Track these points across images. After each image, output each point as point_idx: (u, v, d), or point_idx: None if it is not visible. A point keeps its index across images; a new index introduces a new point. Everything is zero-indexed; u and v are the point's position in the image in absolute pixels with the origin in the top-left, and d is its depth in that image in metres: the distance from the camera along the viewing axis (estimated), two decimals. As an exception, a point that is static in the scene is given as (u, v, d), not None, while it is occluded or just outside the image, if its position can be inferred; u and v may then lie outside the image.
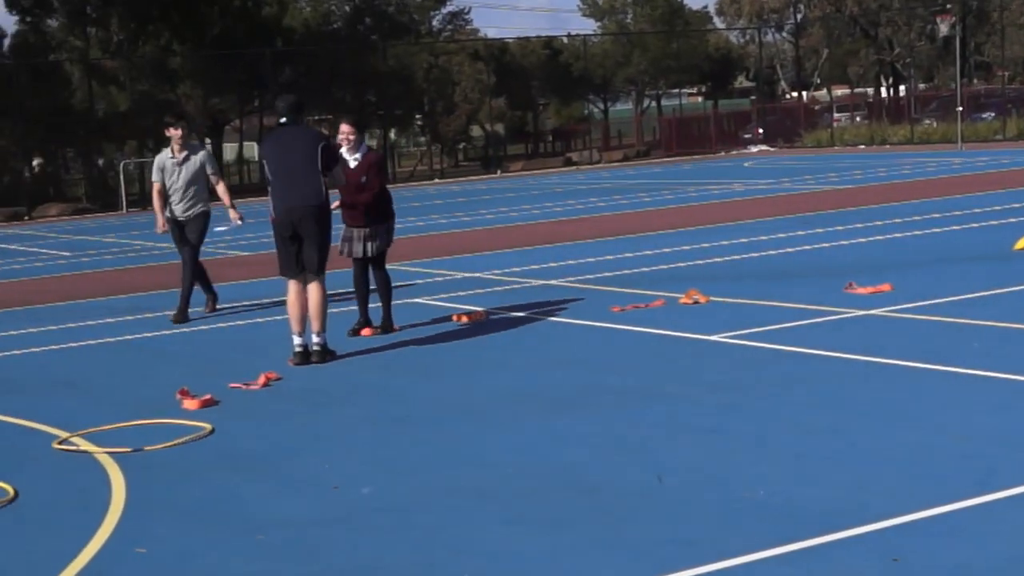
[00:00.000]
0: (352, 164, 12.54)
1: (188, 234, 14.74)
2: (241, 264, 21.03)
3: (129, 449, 8.65)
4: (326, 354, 11.56)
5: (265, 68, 51.01)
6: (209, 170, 14.86)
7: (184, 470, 8.10)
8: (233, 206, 15.25)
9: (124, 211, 43.70)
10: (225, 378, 10.86)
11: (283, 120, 11.88)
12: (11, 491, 7.78)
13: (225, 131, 64.08)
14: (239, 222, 15.34)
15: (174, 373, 11.42)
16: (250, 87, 56.02)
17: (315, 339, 11.55)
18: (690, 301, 13.16)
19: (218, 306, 15.11)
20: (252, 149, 68.75)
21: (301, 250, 11.59)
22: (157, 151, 55.25)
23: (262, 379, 10.65)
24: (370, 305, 12.92)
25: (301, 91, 57.65)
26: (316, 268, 11.59)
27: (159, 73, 53.91)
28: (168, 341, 13.40)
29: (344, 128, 12.66)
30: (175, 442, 8.78)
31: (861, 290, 12.97)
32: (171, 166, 14.65)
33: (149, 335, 13.81)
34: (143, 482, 7.84)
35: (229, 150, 69.60)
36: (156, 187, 14.77)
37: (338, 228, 12.36)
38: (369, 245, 12.64)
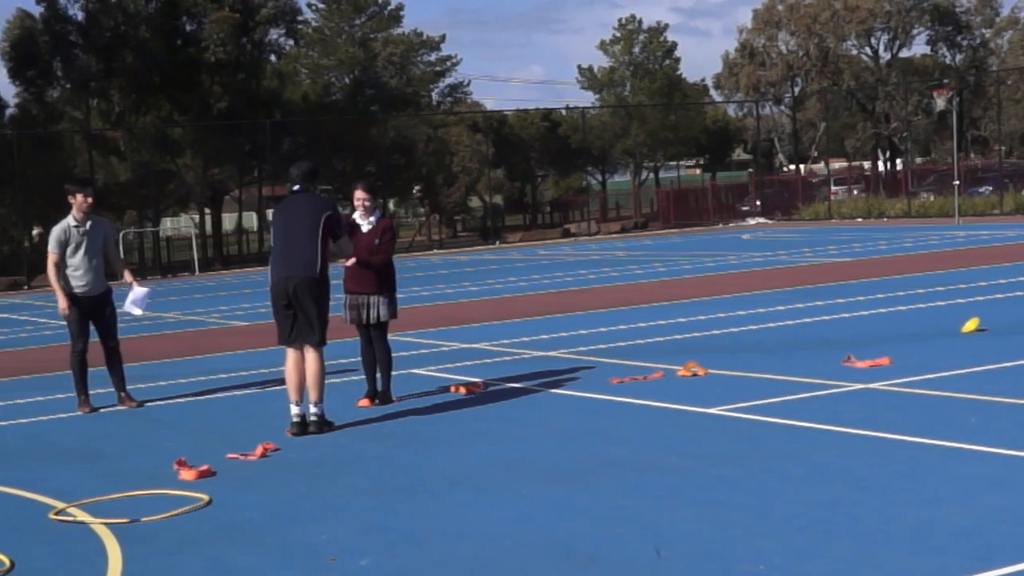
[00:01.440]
0: (366, 228, 12.61)
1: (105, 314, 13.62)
2: (239, 333, 21.03)
3: (126, 520, 8.61)
4: (324, 424, 11.54)
5: (265, 139, 51.27)
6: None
7: (181, 541, 8.07)
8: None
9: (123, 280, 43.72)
10: (223, 448, 10.84)
11: (295, 188, 11.92)
12: (8, 562, 7.75)
13: (225, 201, 64.34)
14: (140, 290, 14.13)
15: (172, 442, 11.40)
16: (250, 157, 56.31)
17: (313, 409, 11.53)
18: (688, 374, 13.17)
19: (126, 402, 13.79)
20: (251, 219, 69.03)
21: (296, 320, 11.58)
22: (156, 221, 55.34)
23: (260, 450, 10.62)
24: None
25: (299, 161, 58.20)
26: (313, 339, 11.55)
27: (159, 143, 54.24)
28: (166, 411, 13.38)
29: (359, 194, 12.75)
30: (172, 513, 8.75)
31: (860, 364, 12.98)
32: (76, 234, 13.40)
33: (150, 404, 13.78)
34: (139, 553, 7.80)
35: (228, 220, 69.86)
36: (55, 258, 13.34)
37: (340, 297, 12.38)
38: (377, 311, 12.63)
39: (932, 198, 53.43)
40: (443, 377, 14.29)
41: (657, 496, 8.34)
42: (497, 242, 54.02)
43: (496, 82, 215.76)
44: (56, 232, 13.44)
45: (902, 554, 6.68)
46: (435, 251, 52.91)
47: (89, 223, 13.54)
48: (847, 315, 17.70)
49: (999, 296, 18.96)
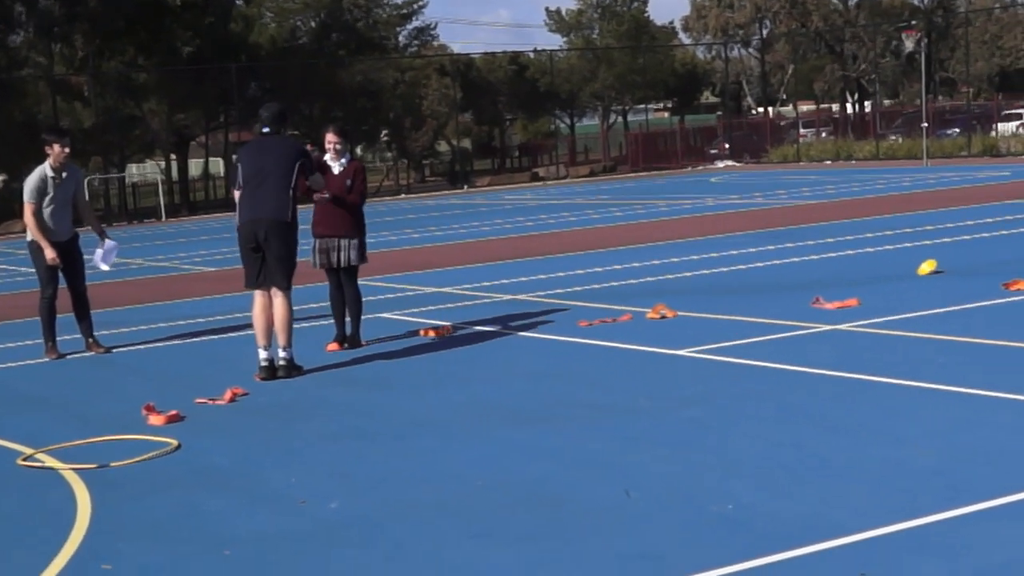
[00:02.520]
0: (337, 170, 12.54)
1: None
2: (207, 279, 20.95)
3: (95, 465, 8.58)
4: (292, 369, 11.50)
5: (231, 84, 50.87)
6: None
7: (150, 486, 8.04)
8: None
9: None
10: (192, 393, 10.81)
11: (265, 129, 11.83)
12: (-26, 508, 7.71)
13: (191, 146, 63.90)
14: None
15: (141, 388, 11.36)
16: (216, 103, 55.88)
17: (281, 353, 11.49)
18: (657, 316, 13.18)
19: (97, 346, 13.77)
20: (217, 165, 68.64)
21: (265, 263, 11.52)
22: (122, 167, 54.98)
23: (228, 394, 10.59)
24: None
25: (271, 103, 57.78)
26: (281, 283, 11.50)
27: (124, 89, 53.74)
28: (134, 356, 13.33)
29: (330, 137, 12.71)
30: (141, 458, 8.73)
31: (828, 305, 13.00)
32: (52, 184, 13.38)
33: (117, 350, 13.72)
34: (108, 498, 7.78)
35: (195, 165, 69.41)
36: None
37: (309, 241, 12.33)
38: (348, 254, 12.56)
39: (900, 140, 53.48)
40: (411, 321, 14.27)
41: (626, 438, 8.35)
42: (465, 186, 53.89)
43: (463, 25, 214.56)
44: (34, 182, 13.36)
45: (870, 493, 6.71)
46: (403, 196, 52.75)
47: (64, 172, 13.48)
48: (815, 257, 17.73)
49: (965, 238, 19.02)
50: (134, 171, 68.66)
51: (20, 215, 48.19)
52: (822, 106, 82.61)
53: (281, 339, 11.48)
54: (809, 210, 26.88)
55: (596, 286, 16.19)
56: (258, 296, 11.59)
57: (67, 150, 13.39)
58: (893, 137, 55.44)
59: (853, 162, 49.69)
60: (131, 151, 59.74)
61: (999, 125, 53.25)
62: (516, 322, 13.61)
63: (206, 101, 55.18)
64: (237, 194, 11.78)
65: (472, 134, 75.11)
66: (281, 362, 11.49)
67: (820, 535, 6.05)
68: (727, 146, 58.45)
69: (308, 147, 12.22)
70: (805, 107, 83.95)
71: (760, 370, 10.23)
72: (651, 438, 8.30)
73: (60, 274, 13.52)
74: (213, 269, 22.82)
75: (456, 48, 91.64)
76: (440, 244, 25.01)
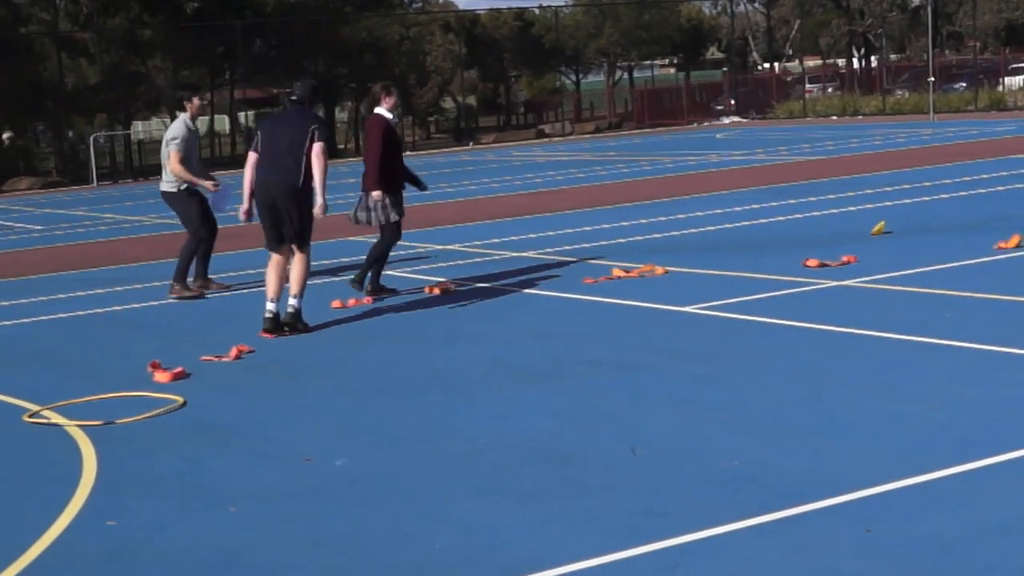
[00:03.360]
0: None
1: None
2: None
3: (100, 422, 8.59)
4: (297, 321, 11.52)
5: (236, 40, 50.68)
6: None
7: (155, 443, 8.05)
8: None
9: (95, 184, 43.44)
10: (198, 351, 10.80)
11: (293, 97, 11.96)
12: (-19, 465, 7.72)
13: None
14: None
15: (147, 346, 11.36)
16: (221, 60, 55.70)
17: (291, 301, 11.58)
18: (639, 274, 13.09)
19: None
20: (223, 122, 68.48)
21: (282, 224, 11.59)
22: (127, 125, 54.82)
23: (234, 352, 10.58)
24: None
25: (272, 63, 57.61)
26: (299, 243, 11.63)
27: (129, 46, 53.57)
28: (141, 313, 13.32)
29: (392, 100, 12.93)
30: (146, 415, 8.73)
31: (815, 263, 12.82)
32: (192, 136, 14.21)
33: (122, 308, 13.73)
34: (114, 455, 7.78)
35: (200, 122, 69.25)
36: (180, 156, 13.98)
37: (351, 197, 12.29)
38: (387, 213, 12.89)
39: (907, 95, 53.28)
40: (418, 279, 14.25)
41: (633, 395, 8.34)
42: (471, 143, 53.77)
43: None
44: (181, 131, 14.01)
45: (879, 449, 6.70)
46: (408, 153, 52.59)
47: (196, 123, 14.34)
48: (817, 213, 17.68)
49: (973, 192, 18.95)
50: (139, 128, 68.57)
51: (25, 172, 47.88)
52: (828, 61, 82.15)
53: (294, 288, 11.58)
54: (814, 166, 26.79)
55: (603, 243, 16.15)
56: (274, 256, 11.65)
57: (204, 102, 14.37)
58: (900, 92, 55.24)
59: (860, 117, 49.51)
60: (136, 108, 59.60)
61: (1006, 79, 53.06)
62: (523, 279, 13.59)
63: (211, 58, 55.01)
64: (252, 157, 11.80)
65: (477, 91, 74.93)
66: (289, 309, 11.55)
67: (827, 491, 6.03)
68: (733, 102, 58.23)
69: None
70: (811, 62, 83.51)
71: (765, 326, 10.21)
72: (657, 395, 8.29)
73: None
74: (220, 226, 22.76)
75: (461, 4, 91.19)
76: (450, 200, 24.95)
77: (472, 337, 10.78)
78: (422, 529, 6.03)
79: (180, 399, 9.10)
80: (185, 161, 13.97)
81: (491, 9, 77.40)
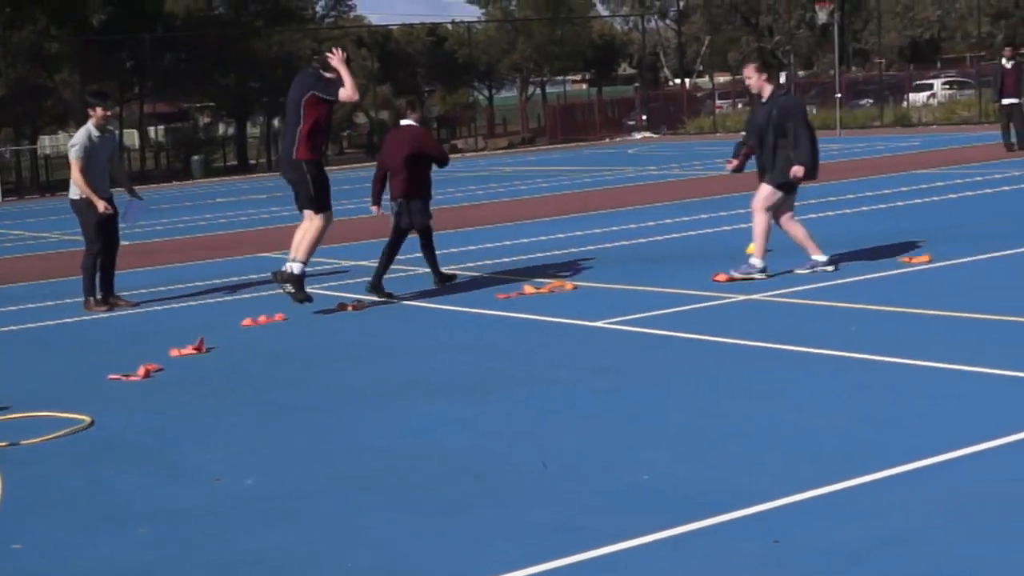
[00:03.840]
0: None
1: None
2: (120, 253, 20.68)
3: (4, 444, 8.46)
4: (293, 282, 12.48)
5: (145, 54, 50.23)
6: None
7: (62, 463, 7.95)
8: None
9: (0, 200, 42.84)
10: (105, 370, 10.68)
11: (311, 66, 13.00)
12: None
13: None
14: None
15: (53, 365, 11.23)
16: (131, 73, 55.18)
17: (290, 264, 12.50)
18: (547, 291, 13.14)
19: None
20: (132, 137, 67.74)
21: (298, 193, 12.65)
22: (34, 139, 54.02)
23: (142, 370, 10.48)
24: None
25: (181, 77, 57.16)
26: (311, 207, 12.54)
27: (36, 58, 52.90)
28: (47, 332, 13.15)
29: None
30: (53, 435, 8.62)
31: (723, 277, 12.96)
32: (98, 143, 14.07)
33: (30, 326, 13.55)
34: (19, 477, 7.67)
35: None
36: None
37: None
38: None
39: (815, 111, 53.89)
40: (333, 295, 14.20)
41: (544, 409, 8.37)
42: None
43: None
44: (81, 140, 13.97)
45: (785, 461, 6.78)
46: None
47: (105, 134, 14.22)
48: (728, 228, 17.84)
49: (868, 208, 19.22)
50: (47, 143, 67.69)
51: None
52: (738, 77, 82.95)
53: (297, 252, 12.50)
54: (724, 181, 27.02)
55: (517, 258, 16.20)
56: (303, 219, 12.63)
57: (108, 113, 14.18)
58: (808, 108, 55.85)
59: (769, 133, 49.94)
60: (43, 122, 58.86)
61: (910, 95, 53.89)
62: (436, 295, 13.60)
63: (120, 72, 54.46)
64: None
65: (390, 106, 74.77)
66: (285, 269, 12.49)
67: (735, 503, 6.09)
68: (644, 117, 58.60)
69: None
70: (721, 78, 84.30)
71: (676, 340, 10.29)
72: (569, 409, 8.33)
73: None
74: (126, 243, 22.53)
75: (374, 19, 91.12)
76: (365, 216, 24.85)
77: (385, 353, 10.76)
78: (334, 547, 6.01)
79: (87, 419, 8.99)
80: (87, 171, 13.77)
81: (404, 24, 77.49)
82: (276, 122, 65.84)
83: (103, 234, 14.03)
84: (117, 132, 14.04)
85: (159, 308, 14.05)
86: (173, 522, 6.57)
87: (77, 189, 13.95)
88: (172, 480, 7.40)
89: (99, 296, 14.12)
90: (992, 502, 5.89)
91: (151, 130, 68.41)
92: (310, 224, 12.57)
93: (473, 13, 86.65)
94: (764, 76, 13.02)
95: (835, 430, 7.32)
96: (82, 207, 14.01)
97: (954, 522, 5.67)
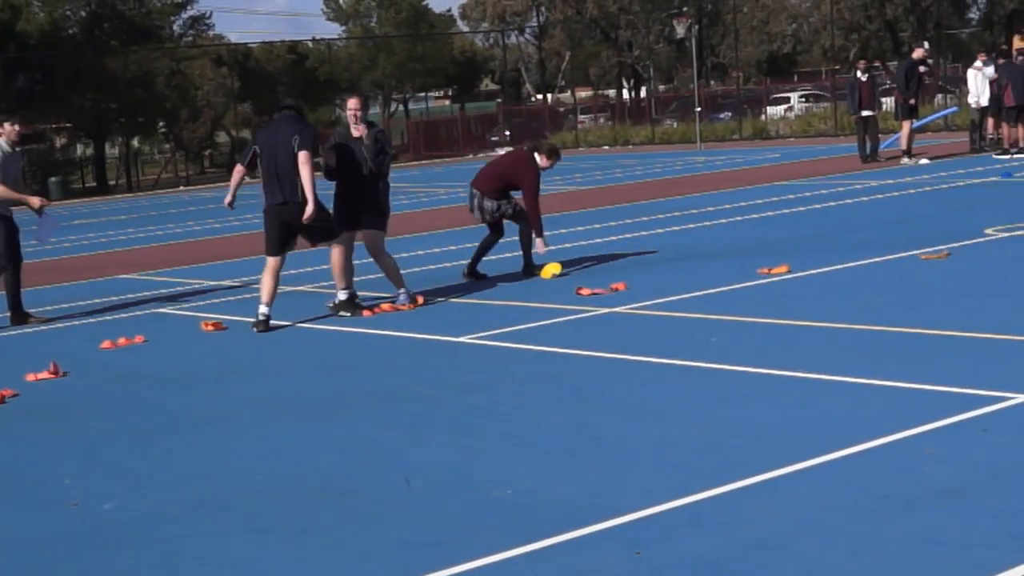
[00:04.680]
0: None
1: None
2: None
3: None
4: (347, 307, 12.93)
5: (-2, 74, 49.24)
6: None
7: (-85, 493, 7.75)
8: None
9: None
10: (-41, 396, 10.44)
11: (283, 106, 13.21)
12: None
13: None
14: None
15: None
16: (-17, 94, 53.96)
17: (340, 295, 12.96)
18: (412, 308, 13.15)
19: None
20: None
21: (296, 235, 12.91)
22: None
23: (-2, 395, 10.27)
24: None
25: (38, 98, 56.12)
26: (329, 238, 12.95)
27: None
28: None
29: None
30: (-95, 465, 8.40)
31: (596, 291, 13.11)
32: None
33: None
34: None
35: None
36: None
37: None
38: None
39: (675, 125, 54.62)
40: (192, 315, 14.05)
41: (407, 426, 8.36)
42: (246, 177, 53.11)
43: (239, 14, 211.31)
44: None
45: (646, 471, 6.85)
46: (181, 188, 51.84)
47: (16, 149, 14.35)
48: (584, 243, 17.98)
49: (736, 219, 19.52)
50: None
51: None
52: (599, 92, 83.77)
53: (338, 282, 13.01)
54: (586, 195, 27.26)
55: (375, 276, 16.12)
56: (272, 260, 12.83)
57: (17, 128, 14.26)
58: (668, 122, 56.59)
59: (630, 147, 50.55)
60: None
61: (768, 109, 54.84)
62: (298, 313, 13.51)
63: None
64: (239, 170, 13.34)
65: (252, 124, 74.18)
66: (337, 299, 13.04)
67: (599, 515, 6.14)
68: (508, 133, 58.84)
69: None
70: (583, 93, 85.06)
71: (540, 354, 10.34)
72: (433, 425, 8.33)
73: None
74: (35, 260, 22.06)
75: (233, 38, 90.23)
76: (226, 236, 24.65)
77: (246, 373, 10.67)
78: (194, 570, 5.95)
79: (-59, 447, 8.79)
80: (6, 182, 13.88)
81: (263, 42, 76.93)
82: (136, 142, 65.05)
83: (12, 250, 14.04)
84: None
85: (15, 332, 13.77)
86: (30, 549, 6.45)
87: None
88: (29, 507, 7.25)
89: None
90: (849, 509, 6.01)
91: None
92: (335, 252, 12.97)
93: (334, 30, 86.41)
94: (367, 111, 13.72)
95: (695, 440, 7.41)
96: None
97: (814, 530, 5.77)
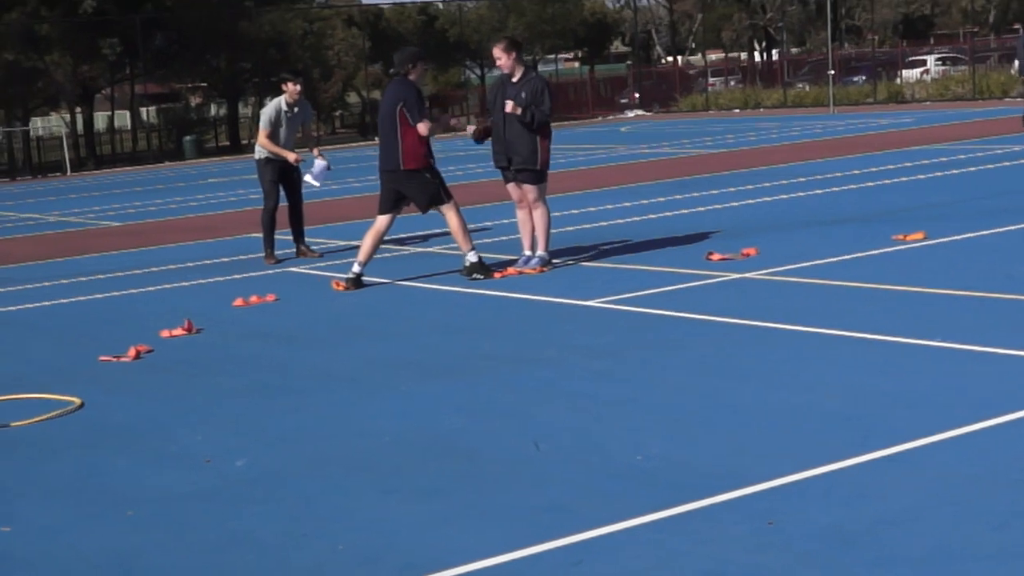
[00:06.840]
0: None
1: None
2: (113, 234, 20.63)
3: (-6, 426, 8.41)
4: (472, 271, 12.83)
5: (135, 35, 50.03)
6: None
7: (51, 446, 7.89)
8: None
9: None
10: (95, 351, 10.62)
11: (391, 71, 13.37)
12: None
13: (96, 99, 62.86)
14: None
15: (42, 347, 11.17)
16: (121, 55, 54.95)
17: (469, 256, 12.87)
18: (515, 272, 13.07)
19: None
20: (124, 118, 67.60)
21: (403, 197, 12.96)
22: (26, 121, 53.90)
23: (132, 352, 10.41)
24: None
25: (173, 59, 56.98)
26: (441, 202, 12.87)
27: (26, 40, 52.67)
28: (37, 314, 13.09)
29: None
30: (42, 417, 8.56)
31: (725, 256, 12.91)
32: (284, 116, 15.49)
33: (17, 308, 13.48)
34: (8, 459, 7.63)
35: (101, 119, 68.34)
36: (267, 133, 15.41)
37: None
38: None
39: (807, 88, 53.86)
40: (323, 275, 14.14)
41: (535, 389, 8.32)
42: (375, 137, 53.53)
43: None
44: (270, 113, 15.52)
45: (779, 440, 6.73)
46: (313, 148, 52.22)
47: (296, 107, 15.66)
48: (719, 206, 17.79)
49: (869, 184, 19.18)
50: (39, 124, 67.48)
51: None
52: (730, 55, 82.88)
53: (462, 246, 12.96)
54: (717, 159, 26.98)
55: (506, 238, 16.12)
56: (379, 219, 13.00)
57: (299, 88, 15.54)
58: (800, 85, 55.81)
59: (761, 110, 49.97)
60: (35, 104, 58.66)
61: (903, 72, 53.79)
62: (427, 275, 13.54)
63: (111, 53, 54.22)
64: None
65: (382, 85, 74.64)
66: (468, 262, 12.91)
67: (729, 484, 6.05)
68: (637, 96, 58.51)
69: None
70: (714, 56, 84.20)
71: (668, 319, 10.23)
72: (560, 389, 8.28)
73: (281, 189, 15.63)
74: (118, 224, 22.47)
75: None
76: (355, 196, 24.83)
77: (374, 333, 10.71)
78: (322, 528, 5.96)
79: (77, 400, 8.94)
80: (272, 137, 15.43)
81: (395, 3, 77.19)
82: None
83: (276, 192, 15.50)
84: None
85: (151, 289, 13.98)
86: (162, 505, 6.52)
87: (264, 150, 15.47)
88: (162, 462, 7.34)
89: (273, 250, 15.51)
90: (987, 483, 5.84)
91: (143, 111, 68.25)
92: (449, 217, 12.92)
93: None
94: (513, 55, 13.29)
95: (831, 409, 7.27)
96: (261, 166, 15.63)
97: (949, 503, 5.62)
